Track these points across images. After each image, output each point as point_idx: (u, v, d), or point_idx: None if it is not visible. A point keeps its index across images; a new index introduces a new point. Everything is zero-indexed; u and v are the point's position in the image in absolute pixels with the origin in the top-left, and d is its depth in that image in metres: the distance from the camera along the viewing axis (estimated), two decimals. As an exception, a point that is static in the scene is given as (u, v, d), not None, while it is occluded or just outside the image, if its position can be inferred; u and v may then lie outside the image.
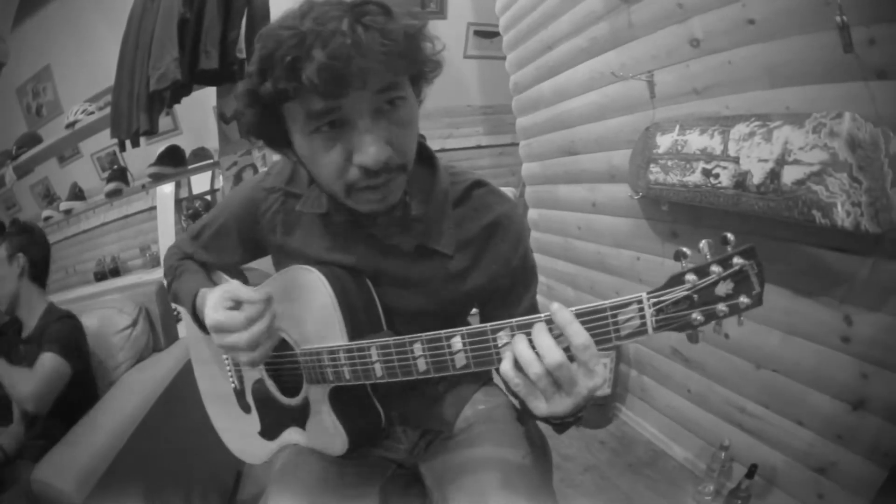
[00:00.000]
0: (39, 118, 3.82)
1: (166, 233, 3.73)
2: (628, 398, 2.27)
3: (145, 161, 2.85)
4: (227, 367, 1.04)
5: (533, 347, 0.61)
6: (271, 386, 0.95)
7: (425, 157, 0.84)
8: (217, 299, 0.78)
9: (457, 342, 0.68)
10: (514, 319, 0.64)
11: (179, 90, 1.97)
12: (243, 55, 1.94)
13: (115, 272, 3.79)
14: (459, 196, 0.85)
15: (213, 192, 3.71)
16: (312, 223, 0.87)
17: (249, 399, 1.02)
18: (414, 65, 0.67)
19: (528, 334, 0.63)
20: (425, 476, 0.96)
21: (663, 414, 2.07)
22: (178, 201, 3.74)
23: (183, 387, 1.69)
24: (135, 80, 2.09)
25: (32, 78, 3.71)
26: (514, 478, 0.84)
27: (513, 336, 0.64)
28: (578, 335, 0.59)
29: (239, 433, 1.07)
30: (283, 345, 0.88)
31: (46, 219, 2.84)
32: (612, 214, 2.12)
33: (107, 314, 1.77)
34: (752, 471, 1.58)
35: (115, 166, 2.66)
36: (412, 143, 0.72)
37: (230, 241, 0.96)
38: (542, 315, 0.63)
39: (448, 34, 3.35)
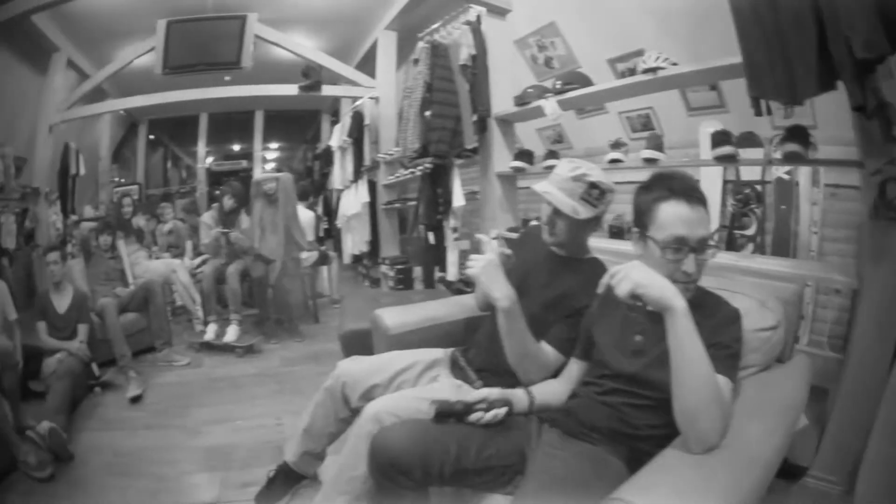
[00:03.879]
0: (549, 69, 4.02)
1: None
2: None
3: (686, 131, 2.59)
4: None
5: None
6: None
7: None
8: None
9: None
10: None
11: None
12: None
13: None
14: None
15: (763, 182, 3.37)
16: None
17: None
18: None
19: None
20: None
21: None
22: (724, 182, 3.50)
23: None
24: (787, 41, 1.76)
25: (535, 32, 3.92)
26: None
27: None
28: None
29: None
30: None
31: (613, 161, 2.75)
32: None
33: (747, 304, 1.52)
34: None
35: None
36: None
37: None
38: None
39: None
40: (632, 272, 1.18)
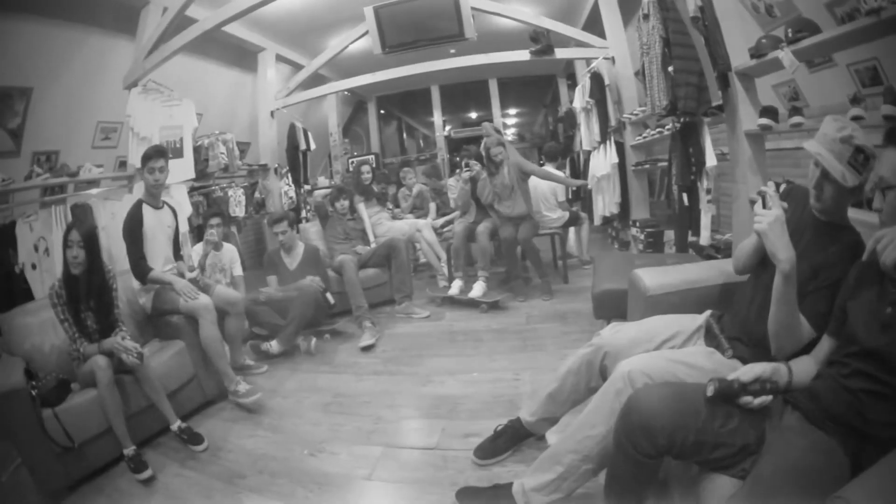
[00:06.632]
0: (772, 18, 3.61)
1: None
2: None
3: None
4: None
5: None
6: None
7: None
8: None
9: None
10: None
11: None
12: None
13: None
14: None
15: None
16: None
17: None
18: None
19: None
20: None
21: None
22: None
23: None
24: None
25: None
26: None
27: None
28: None
29: None
30: None
31: (855, 118, 2.38)
32: None
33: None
34: None
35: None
36: None
37: None
38: None
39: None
40: None
